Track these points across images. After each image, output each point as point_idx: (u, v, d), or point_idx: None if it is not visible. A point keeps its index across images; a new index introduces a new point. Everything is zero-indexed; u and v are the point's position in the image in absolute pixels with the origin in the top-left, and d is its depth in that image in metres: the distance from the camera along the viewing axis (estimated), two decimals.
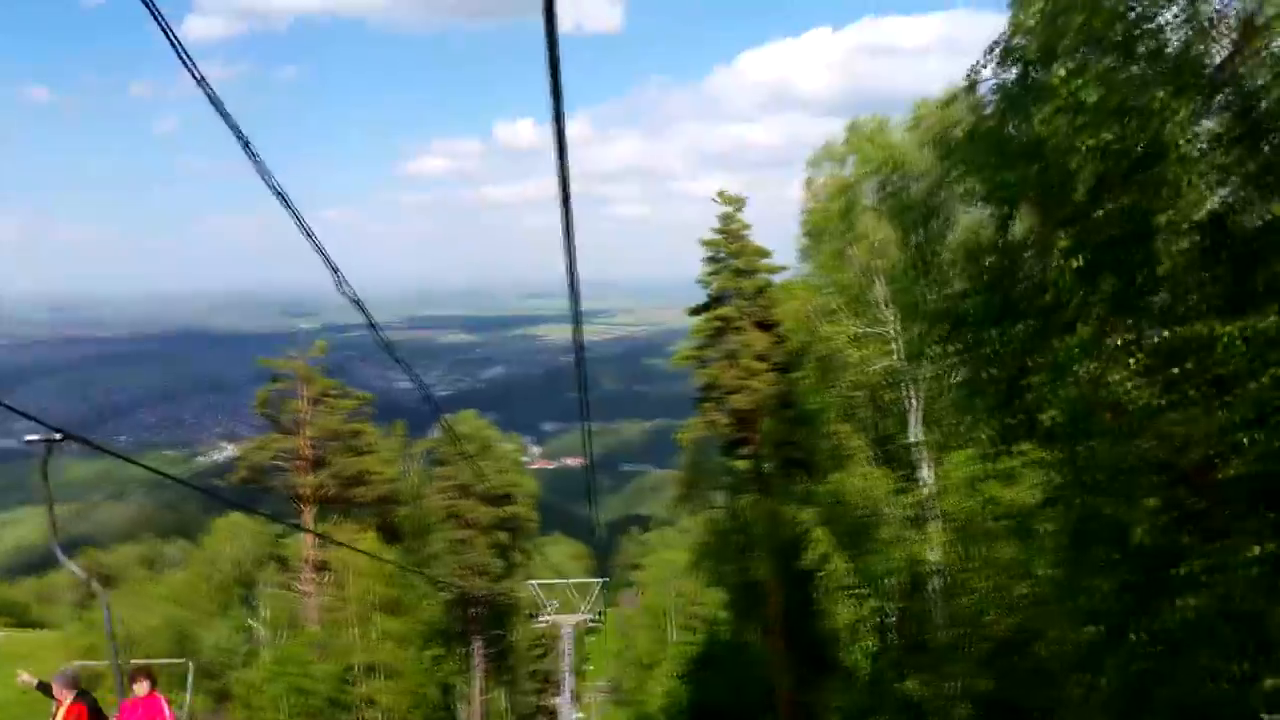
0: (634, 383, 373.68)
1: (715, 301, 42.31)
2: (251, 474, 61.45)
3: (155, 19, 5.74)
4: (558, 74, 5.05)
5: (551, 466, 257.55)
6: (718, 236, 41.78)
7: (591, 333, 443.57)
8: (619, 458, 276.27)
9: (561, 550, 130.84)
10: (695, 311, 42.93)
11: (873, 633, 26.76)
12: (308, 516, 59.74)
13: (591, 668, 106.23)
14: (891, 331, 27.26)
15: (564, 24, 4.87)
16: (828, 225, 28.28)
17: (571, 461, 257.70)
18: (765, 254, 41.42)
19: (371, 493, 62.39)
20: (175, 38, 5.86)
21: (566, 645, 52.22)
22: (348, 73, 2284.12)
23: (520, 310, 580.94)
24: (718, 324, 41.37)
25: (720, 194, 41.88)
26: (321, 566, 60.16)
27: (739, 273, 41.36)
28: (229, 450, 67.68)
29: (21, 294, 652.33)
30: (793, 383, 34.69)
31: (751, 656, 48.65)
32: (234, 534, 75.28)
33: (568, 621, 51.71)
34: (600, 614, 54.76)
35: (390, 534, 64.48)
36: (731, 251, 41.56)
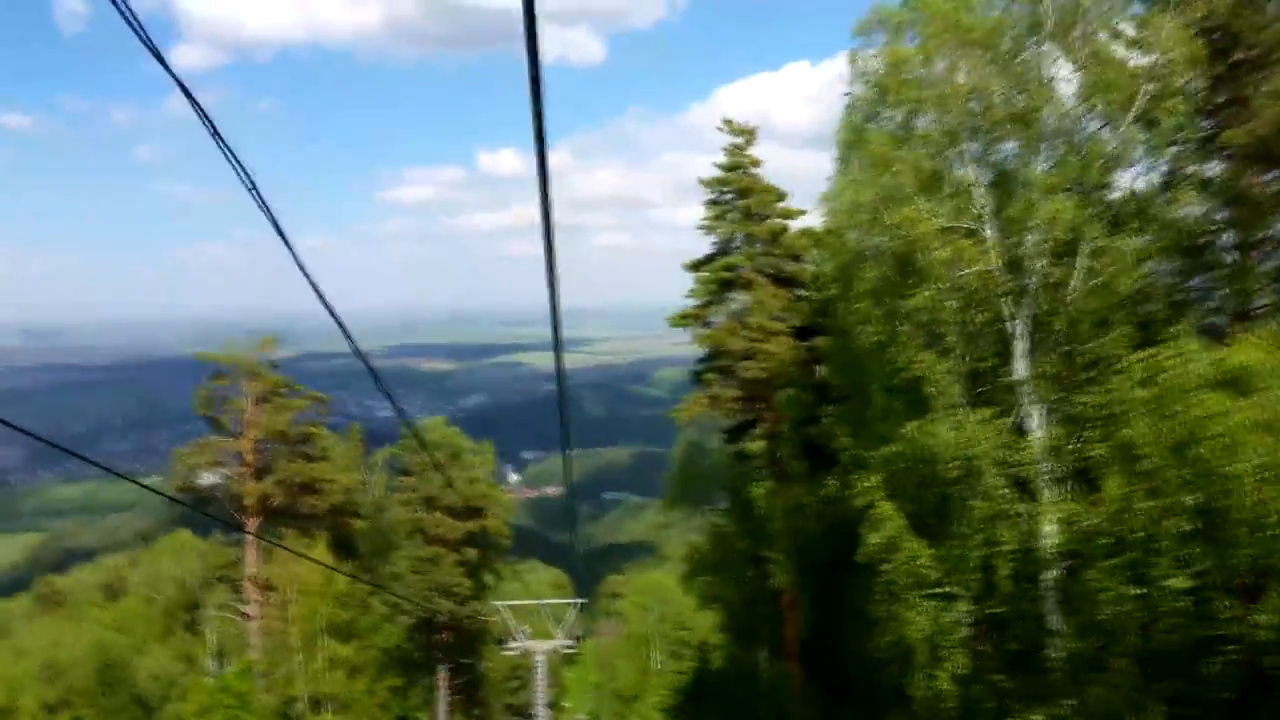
0: (615, 410, 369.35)
1: (720, 252, 35.50)
2: (187, 482, 55.45)
3: (162, 64, 5.98)
4: (540, 107, 5.13)
5: (532, 495, 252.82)
6: (722, 174, 35.00)
7: (573, 360, 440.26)
8: (600, 485, 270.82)
9: (540, 577, 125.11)
10: (695, 266, 36.00)
11: (960, 647, 19.65)
12: (251, 529, 53.76)
13: (569, 704, 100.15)
14: (986, 228, 20.55)
15: (547, 57, 4.94)
16: (887, 101, 21.77)
17: (552, 490, 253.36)
18: (780, 195, 34.76)
19: (324, 502, 56.60)
20: (180, 80, 6.02)
21: (540, 674, 46.82)
22: (329, 101, 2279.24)
23: (501, 338, 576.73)
24: (724, 276, 34.55)
25: (727, 122, 35.32)
26: (269, 586, 54.25)
27: (748, 215, 34.60)
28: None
29: None
30: (827, 323, 27.81)
31: (756, 685, 42.46)
32: (179, 553, 71.15)
33: (541, 648, 46.63)
34: (577, 639, 49.34)
35: (346, 549, 58.81)
36: (740, 189, 34.74)
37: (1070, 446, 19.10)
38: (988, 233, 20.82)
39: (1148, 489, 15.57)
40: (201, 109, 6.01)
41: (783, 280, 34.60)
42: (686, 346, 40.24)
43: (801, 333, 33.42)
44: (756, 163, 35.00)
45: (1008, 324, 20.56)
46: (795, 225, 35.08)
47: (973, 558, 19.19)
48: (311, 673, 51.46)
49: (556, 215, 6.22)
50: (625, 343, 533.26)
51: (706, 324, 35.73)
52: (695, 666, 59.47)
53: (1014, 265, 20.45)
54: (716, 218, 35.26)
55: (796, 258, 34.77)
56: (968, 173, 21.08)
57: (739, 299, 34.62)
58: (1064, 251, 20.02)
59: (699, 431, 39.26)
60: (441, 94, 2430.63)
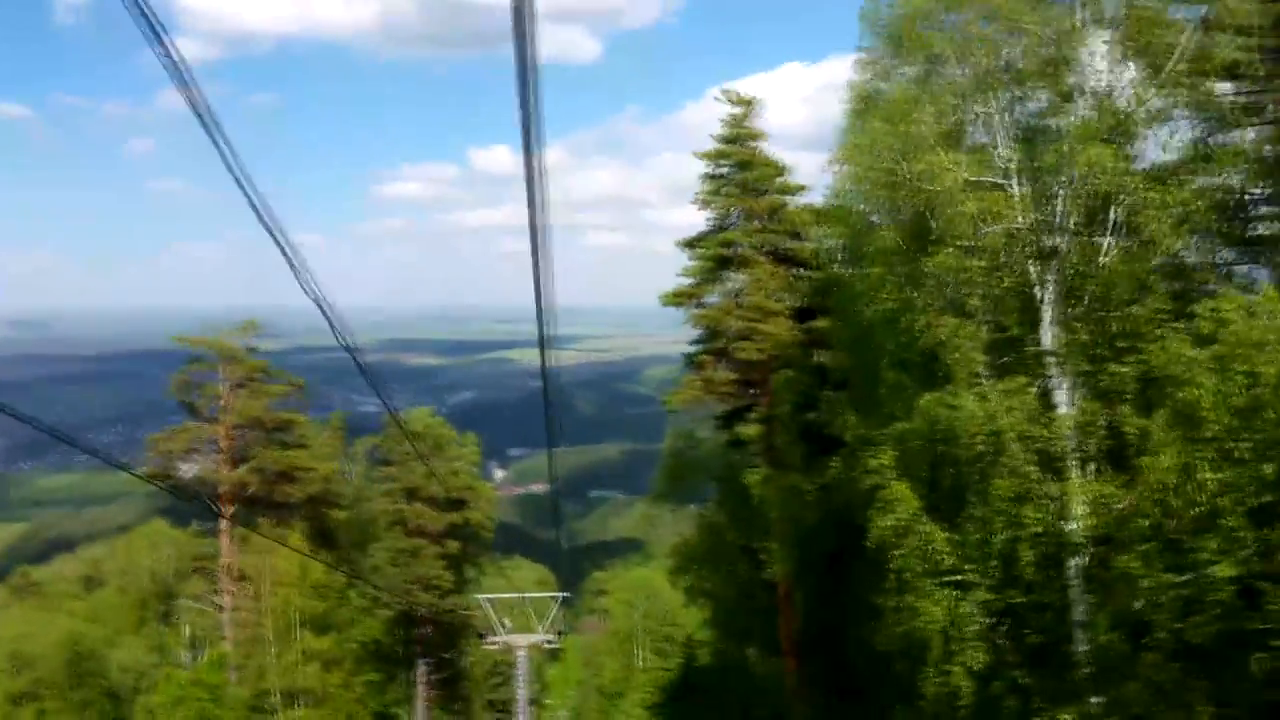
0: (606, 408, 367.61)
1: (716, 228, 33.93)
2: (161, 469, 53.82)
3: (170, 51, 6.14)
4: (529, 106, 5.12)
5: (519, 492, 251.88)
6: (721, 146, 33.42)
7: (565, 358, 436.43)
8: (588, 482, 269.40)
9: (524, 574, 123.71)
10: (691, 242, 34.38)
11: (978, 640, 18.09)
12: (228, 517, 52.39)
13: (551, 701, 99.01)
14: (1014, 185, 19.03)
15: (542, 56, 4.92)
16: (902, 55, 20.28)
17: (538, 487, 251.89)
18: (780, 170, 33.24)
19: (302, 491, 55.07)
20: (186, 70, 6.18)
21: (521, 669, 45.53)
22: (324, 97, 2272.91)
23: (492, 335, 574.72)
24: (721, 254, 33.01)
25: (726, 93, 33.83)
26: (244, 576, 52.92)
27: (747, 189, 33.05)
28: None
29: None
30: (831, 300, 26.32)
31: (748, 681, 41.09)
32: (154, 543, 70.31)
33: (522, 642, 45.26)
34: (560, 634, 47.99)
35: (325, 540, 57.37)
36: (739, 161, 33.16)
37: (1102, 421, 17.58)
38: (1015, 188, 19.33)
39: (1210, 460, 13.98)
40: (204, 102, 6.27)
41: (782, 258, 33.08)
42: (680, 345, 38.70)
43: (801, 313, 32.00)
44: (756, 135, 33.51)
45: (1035, 288, 19.08)
46: (796, 202, 33.64)
47: (993, 542, 17.60)
48: (286, 665, 50.32)
49: (551, 215, 6.33)
50: (619, 341, 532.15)
51: (701, 303, 34.17)
52: (682, 663, 58.43)
53: (1042, 225, 18.95)
54: (713, 192, 33.67)
55: (797, 234, 33.23)
56: (993, 125, 19.55)
57: (736, 277, 33.13)
58: (1097, 210, 18.51)
59: (691, 419, 37.73)
60: (436, 91, 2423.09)
